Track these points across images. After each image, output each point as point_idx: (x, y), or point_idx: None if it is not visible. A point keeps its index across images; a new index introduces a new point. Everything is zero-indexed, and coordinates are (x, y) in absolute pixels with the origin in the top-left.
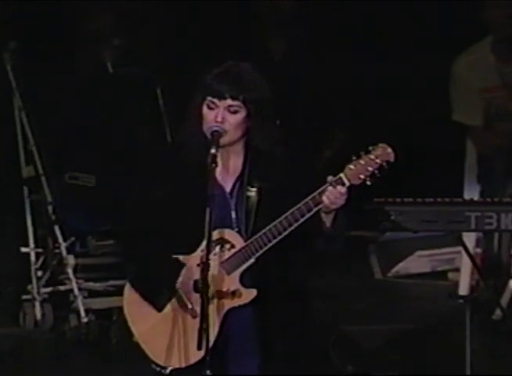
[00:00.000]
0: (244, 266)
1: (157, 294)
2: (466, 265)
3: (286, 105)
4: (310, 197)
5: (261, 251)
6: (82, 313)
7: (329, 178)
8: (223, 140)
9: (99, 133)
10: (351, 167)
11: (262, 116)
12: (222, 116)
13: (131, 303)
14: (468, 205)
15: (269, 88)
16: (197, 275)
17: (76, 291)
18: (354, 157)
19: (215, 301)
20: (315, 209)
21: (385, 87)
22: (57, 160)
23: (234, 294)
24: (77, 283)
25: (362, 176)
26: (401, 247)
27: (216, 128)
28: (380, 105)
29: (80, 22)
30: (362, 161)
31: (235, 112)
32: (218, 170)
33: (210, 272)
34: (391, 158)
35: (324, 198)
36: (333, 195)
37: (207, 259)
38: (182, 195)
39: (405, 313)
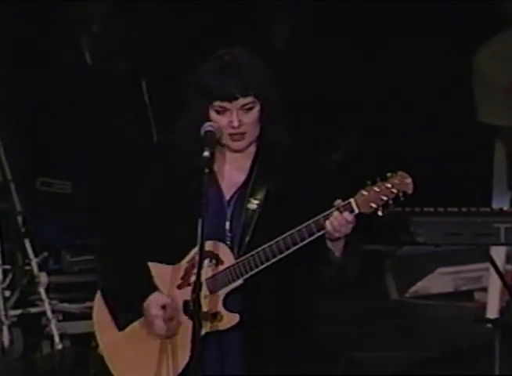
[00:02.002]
0: (230, 287)
1: (123, 310)
2: (494, 284)
3: (290, 99)
4: (313, 220)
5: (251, 273)
6: (56, 339)
7: (337, 201)
8: (242, 144)
9: (75, 133)
10: (364, 193)
11: (273, 103)
12: (238, 119)
13: (101, 312)
14: (497, 216)
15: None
16: (178, 291)
17: (49, 313)
18: (368, 183)
19: (192, 321)
20: (317, 234)
21: (402, 84)
22: (28, 163)
23: (214, 316)
24: (50, 304)
25: (373, 205)
26: (420, 263)
27: (209, 128)
28: (397, 103)
29: (54, 6)
30: (376, 188)
31: (250, 109)
32: (221, 173)
33: (191, 288)
34: (409, 189)
35: (327, 224)
36: (337, 222)
37: (199, 277)
38: (172, 199)
39: (425, 339)
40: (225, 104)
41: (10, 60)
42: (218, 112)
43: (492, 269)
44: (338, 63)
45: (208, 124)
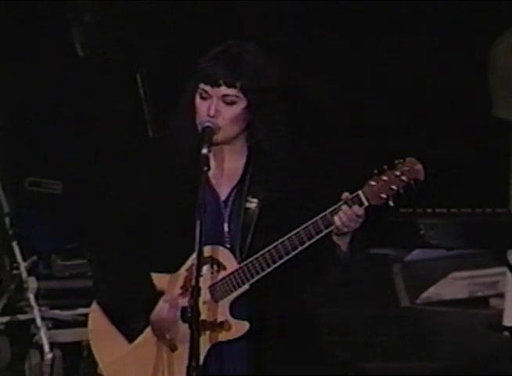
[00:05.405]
0: (236, 293)
1: (131, 321)
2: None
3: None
4: (320, 216)
5: (257, 277)
6: (46, 348)
7: (345, 194)
8: (217, 138)
9: (66, 129)
10: (372, 183)
11: (266, 108)
12: (216, 108)
13: (98, 327)
14: None
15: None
16: (180, 300)
17: (38, 320)
18: (375, 171)
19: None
20: (325, 231)
21: (416, 81)
22: (15, 162)
23: (222, 326)
24: (39, 311)
25: (383, 196)
26: (432, 267)
27: (208, 124)
28: (410, 101)
29: None
30: (385, 177)
31: (231, 103)
32: (212, 173)
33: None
34: (421, 176)
35: (336, 219)
36: (346, 216)
37: (198, 282)
38: (167, 201)
39: (437, 348)
40: (208, 88)
41: None
42: (201, 96)
43: (508, 274)
44: (344, 62)
45: (207, 119)
